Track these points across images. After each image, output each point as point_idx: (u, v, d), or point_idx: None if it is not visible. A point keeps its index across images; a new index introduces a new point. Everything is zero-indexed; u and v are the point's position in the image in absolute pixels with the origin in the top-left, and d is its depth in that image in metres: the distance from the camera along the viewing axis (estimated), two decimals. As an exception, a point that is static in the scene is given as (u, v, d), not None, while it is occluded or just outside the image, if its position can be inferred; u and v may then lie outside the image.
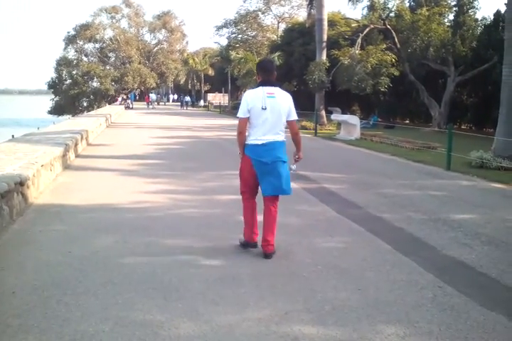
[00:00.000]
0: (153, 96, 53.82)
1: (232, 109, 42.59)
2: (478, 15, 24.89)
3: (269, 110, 4.27)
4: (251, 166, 4.37)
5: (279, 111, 4.32)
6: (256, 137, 4.33)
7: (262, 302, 3.36)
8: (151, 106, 47.56)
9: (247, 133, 4.41)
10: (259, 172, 4.35)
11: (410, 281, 3.80)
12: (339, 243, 4.80)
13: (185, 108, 48.85)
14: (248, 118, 4.33)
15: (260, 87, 4.37)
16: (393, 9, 23.77)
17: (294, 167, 4.71)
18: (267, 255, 4.33)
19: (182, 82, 66.85)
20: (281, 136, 4.40)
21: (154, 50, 70.75)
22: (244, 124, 4.37)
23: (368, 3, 23.29)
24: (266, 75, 4.43)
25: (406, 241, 4.92)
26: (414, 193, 7.43)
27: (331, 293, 3.54)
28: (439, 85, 24.22)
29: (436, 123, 21.84)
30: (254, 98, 4.32)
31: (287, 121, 4.45)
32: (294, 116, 4.47)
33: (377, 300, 3.43)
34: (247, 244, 4.56)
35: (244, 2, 49.44)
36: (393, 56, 21.71)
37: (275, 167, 4.34)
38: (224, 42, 53.40)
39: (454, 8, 22.77)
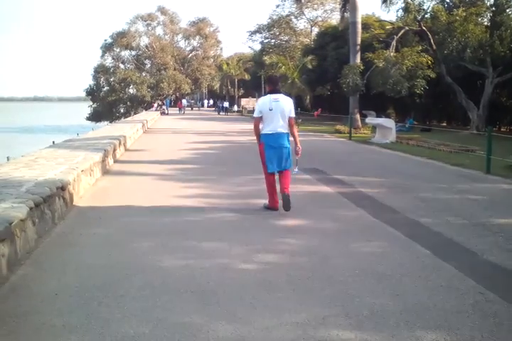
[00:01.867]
0: (184, 101, 54.45)
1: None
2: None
3: (274, 110, 6.01)
4: (264, 150, 6.11)
5: (282, 111, 6.06)
6: (268, 129, 6.08)
7: (299, 307, 3.35)
8: (181, 112, 48.23)
9: (261, 127, 6.16)
10: (268, 154, 6.08)
11: (450, 287, 3.73)
12: (376, 247, 4.75)
13: (223, 113, 47.40)
14: (261, 117, 6.10)
15: (268, 95, 6.19)
16: (428, 10, 23.42)
17: (296, 169, 6.47)
18: (285, 195, 6.01)
19: (216, 87, 67.46)
20: (284, 129, 6.11)
21: (189, 56, 71.70)
22: (257, 121, 6.20)
23: (403, 5, 22.99)
24: (273, 86, 6.39)
25: (445, 246, 4.83)
26: (453, 197, 7.28)
27: (369, 297, 3.51)
28: (477, 87, 23.70)
29: (474, 125, 21.37)
30: (264, 102, 6.15)
31: (288, 118, 6.11)
32: (292, 114, 6.19)
33: (416, 305, 3.38)
34: (270, 208, 6.20)
35: (277, 7, 49.57)
36: (429, 58, 21.36)
37: (280, 150, 6.07)
38: (257, 47, 53.76)
39: (492, 8, 22.25)
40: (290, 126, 6.16)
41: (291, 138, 6.25)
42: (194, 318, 3.18)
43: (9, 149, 24.94)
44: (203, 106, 70.66)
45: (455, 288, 3.71)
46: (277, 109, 6.00)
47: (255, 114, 6.20)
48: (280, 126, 6.04)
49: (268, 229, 5.40)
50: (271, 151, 6.07)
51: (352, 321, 3.14)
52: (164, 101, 52.78)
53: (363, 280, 3.86)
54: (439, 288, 3.70)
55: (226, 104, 50.66)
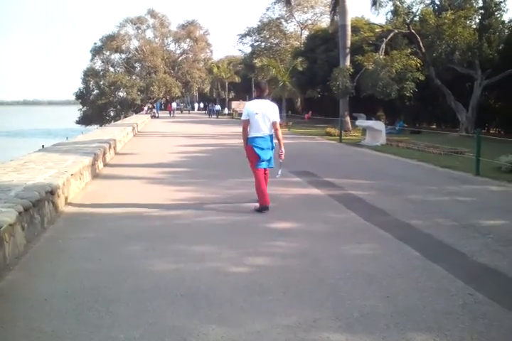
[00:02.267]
0: (174, 105, 54.61)
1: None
2: (506, 18, 24.44)
3: (260, 115, 6.44)
4: (253, 151, 6.48)
5: (267, 115, 6.47)
6: (255, 132, 6.47)
7: (290, 310, 3.35)
8: (171, 115, 48.46)
9: (248, 129, 6.51)
10: (259, 153, 6.47)
11: (440, 288, 3.74)
12: (367, 250, 4.76)
13: (214, 117, 47.22)
14: (249, 120, 6.47)
15: (255, 100, 6.73)
16: (417, 13, 23.59)
17: (279, 173, 6.90)
18: None
19: (206, 90, 67.43)
20: (270, 131, 6.55)
21: (179, 59, 71.58)
22: (245, 124, 6.53)
23: (392, 8, 23.14)
24: (260, 92, 6.80)
25: (435, 248, 4.86)
26: (443, 199, 7.33)
27: (360, 300, 3.52)
28: (466, 89, 23.88)
29: (463, 127, 21.52)
30: (251, 107, 6.57)
31: (272, 122, 6.51)
32: (277, 119, 6.58)
33: (406, 307, 3.40)
34: (263, 208, 6.42)
35: (267, 10, 49.71)
36: (418, 60, 21.49)
37: (267, 151, 6.55)
38: (248, 50, 53.87)
39: (480, 11, 22.46)
40: (274, 129, 6.59)
41: (275, 141, 6.69)
42: (185, 322, 3.17)
43: (-2, 153, 24.77)
44: (193, 109, 70.41)
45: (445, 289, 3.73)
46: (263, 113, 6.46)
47: (243, 117, 6.63)
48: (266, 129, 6.51)
49: (259, 232, 5.40)
50: (260, 152, 6.49)
51: (342, 323, 3.15)
52: (154, 105, 52.68)
53: (353, 282, 3.87)
54: (429, 290, 3.72)
55: (218, 107, 50.30)
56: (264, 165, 6.57)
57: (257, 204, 6.48)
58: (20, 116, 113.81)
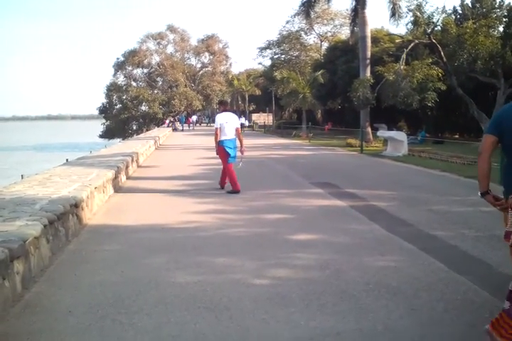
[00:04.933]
0: (193, 118, 55.62)
1: (276, 129, 42.69)
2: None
3: (229, 123, 8.99)
4: (223, 150, 8.95)
5: (233, 124, 9.10)
6: (225, 136, 8.96)
7: (313, 322, 3.33)
8: (191, 128, 49.79)
9: (219, 134, 8.95)
10: (229, 152, 8.92)
11: (465, 300, 3.68)
12: (390, 261, 4.71)
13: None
14: (220, 128, 8.93)
15: (224, 112, 9.25)
16: (438, 23, 23.46)
17: (240, 164, 9.45)
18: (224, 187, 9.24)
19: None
20: (234, 135, 9.09)
21: (199, 73, 72.28)
22: (218, 130, 8.96)
23: (412, 19, 23.06)
24: (224, 107, 9.67)
25: (460, 259, 4.78)
26: (467, 210, 7.22)
27: (383, 312, 3.47)
28: (489, 98, 23.57)
29: (487, 137, 21.17)
30: (222, 118, 9.08)
31: (235, 128, 9.12)
32: (238, 126, 9.26)
33: (431, 320, 3.34)
34: (234, 191, 8.77)
35: (286, 23, 49.99)
36: (440, 70, 21.33)
37: (232, 150, 9.03)
38: (267, 62, 54.17)
39: (504, 19, 22.22)
40: (237, 133, 9.15)
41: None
42: (207, 334, 3.17)
43: (25, 167, 25.24)
44: (214, 122, 70.85)
45: (470, 301, 3.66)
46: (230, 122, 9.03)
47: (217, 126, 9.04)
48: (232, 134, 9.04)
49: (280, 243, 5.39)
50: (230, 150, 8.93)
51: (366, 337, 3.11)
52: (178, 118, 53.34)
53: (376, 294, 3.82)
54: (455, 302, 3.65)
55: (242, 120, 49.94)
56: (232, 160, 8.99)
57: (231, 189, 8.83)
58: (45, 130, 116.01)
